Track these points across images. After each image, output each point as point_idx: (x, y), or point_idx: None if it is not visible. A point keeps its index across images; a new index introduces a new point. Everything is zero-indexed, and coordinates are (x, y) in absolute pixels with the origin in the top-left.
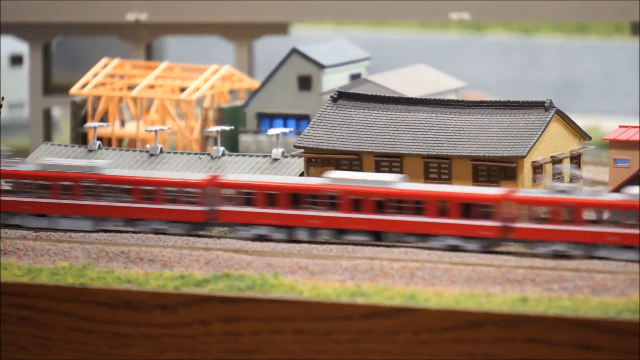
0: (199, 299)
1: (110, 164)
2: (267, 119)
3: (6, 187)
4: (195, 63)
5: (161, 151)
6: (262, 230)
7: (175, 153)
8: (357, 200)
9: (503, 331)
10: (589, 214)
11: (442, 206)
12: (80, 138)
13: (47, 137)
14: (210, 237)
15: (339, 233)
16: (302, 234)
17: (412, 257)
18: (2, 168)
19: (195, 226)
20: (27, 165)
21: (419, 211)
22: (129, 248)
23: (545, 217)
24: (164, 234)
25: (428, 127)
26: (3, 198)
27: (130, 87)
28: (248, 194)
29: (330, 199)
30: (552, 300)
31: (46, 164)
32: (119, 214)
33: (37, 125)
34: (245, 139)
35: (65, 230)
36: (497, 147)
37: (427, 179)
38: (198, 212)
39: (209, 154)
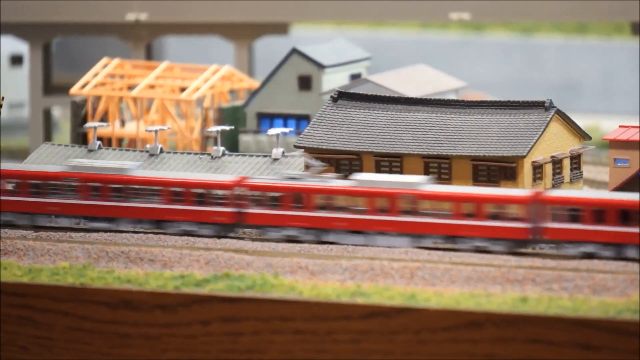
0: (199, 299)
1: (428, 180)
2: (267, 119)
3: (319, 204)
4: (195, 63)
5: (161, 151)
6: (589, 248)
7: (176, 153)
8: None
9: (503, 331)
10: None
11: None
12: (80, 138)
13: (47, 137)
14: (210, 237)
15: None
16: (631, 252)
17: (412, 257)
18: (320, 184)
19: (518, 243)
20: (337, 181)
21: None
22: (129, 248)
23: None
24: (485, 251)
25: (428, 127)
26: (318, 214)
27: (130, 87)
28: (575, 210)
29: None
30: (552, 300)
31: (360, 179)
32: (438, 231)
33: (37, 125)
34: (245, 139)
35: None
36: (497, 147)
37: None
38: (521, 229)
39: (209, 154)
